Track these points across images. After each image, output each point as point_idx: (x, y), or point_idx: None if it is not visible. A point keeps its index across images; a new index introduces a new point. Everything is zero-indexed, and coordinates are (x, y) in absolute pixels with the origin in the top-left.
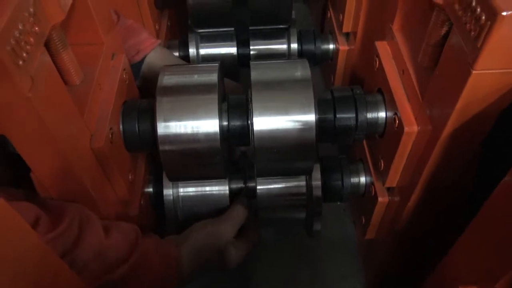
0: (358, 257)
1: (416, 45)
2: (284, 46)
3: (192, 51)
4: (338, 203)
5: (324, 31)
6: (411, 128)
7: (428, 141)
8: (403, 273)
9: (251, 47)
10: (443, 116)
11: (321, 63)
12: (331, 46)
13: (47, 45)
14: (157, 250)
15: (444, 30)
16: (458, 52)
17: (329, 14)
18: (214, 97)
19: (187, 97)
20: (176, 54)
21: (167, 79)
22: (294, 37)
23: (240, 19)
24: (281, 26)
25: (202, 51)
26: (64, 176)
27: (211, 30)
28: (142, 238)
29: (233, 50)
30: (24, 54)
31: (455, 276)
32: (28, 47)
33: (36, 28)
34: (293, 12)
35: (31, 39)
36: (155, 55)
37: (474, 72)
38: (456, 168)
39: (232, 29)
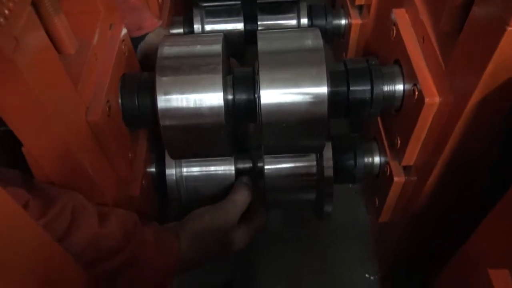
0: (370, 242)
1: (438, 10)
2: (294, 22)
3: (197, 27)
4: (350, 185)
5: (335, 6)
6: (433, 99)
7: (450, 114)
8: (418, 256)
9: (258, 23)
10: (469, 84)
11: (332, 40)
12: (343, 22)
13: (37, 9)
14: (156, 238)
15: None
16: (490, 8)
17: None
18: (218, 68)
19: (189, 69)
20: (181, 30)
21: (167, 50)
22: (304, 12)
23: None
24: (290, 0)
25: (208, 27)
26: (58, 151)
27: (216, 4)
28: (141, 227)
29: (239, 26)
30: (6, 11)
31: (482, 258)
32: (10, 4)
33: None
34: None
35: None
36: (155, 36)
37: (509, 28)
38: (481, 143)
39: (239, 2)
